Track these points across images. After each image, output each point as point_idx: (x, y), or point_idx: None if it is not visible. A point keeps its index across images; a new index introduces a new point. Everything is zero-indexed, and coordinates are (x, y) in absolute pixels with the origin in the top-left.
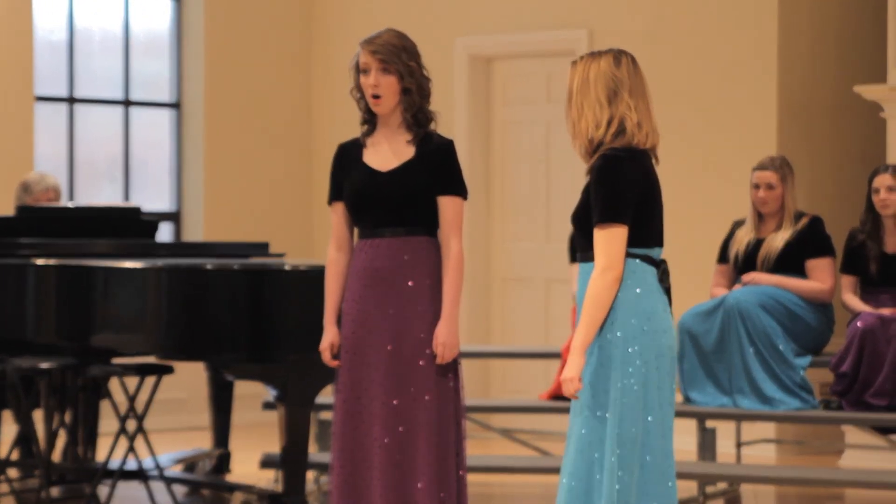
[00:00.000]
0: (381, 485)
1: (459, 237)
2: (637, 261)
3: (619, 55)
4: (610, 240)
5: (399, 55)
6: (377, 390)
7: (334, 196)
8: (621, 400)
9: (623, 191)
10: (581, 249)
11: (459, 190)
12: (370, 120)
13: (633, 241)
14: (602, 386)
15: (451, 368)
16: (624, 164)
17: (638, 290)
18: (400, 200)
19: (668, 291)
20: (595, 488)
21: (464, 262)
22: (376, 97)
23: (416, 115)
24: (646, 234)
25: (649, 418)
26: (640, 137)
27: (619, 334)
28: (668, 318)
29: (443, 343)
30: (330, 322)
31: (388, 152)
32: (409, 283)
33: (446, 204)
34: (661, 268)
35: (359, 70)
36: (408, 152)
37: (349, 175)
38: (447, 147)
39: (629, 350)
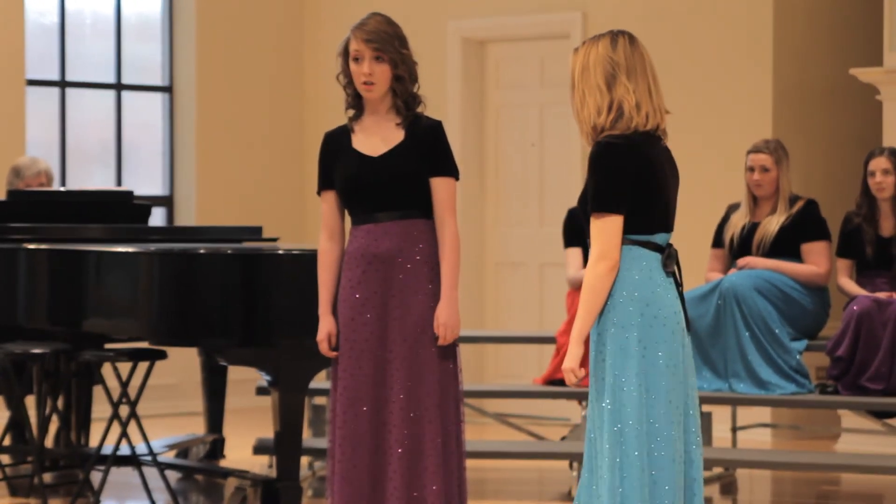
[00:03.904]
0: (393, 469)
1: (454, 217)
2: (637, 247)
3: (615, 36)
4: (604, 229)
5: (392, 42)
6: (381, 376)
7: (324, 185)
8: (620, 388)
9: (617, 179)
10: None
11: (451, 170)
12: (356, 105)
13: (633, 228)
14: (601, 374)
15: (452, 351)
16: (618, 151)
17: (637, 277)
18: (393, 184)
19: (673, 275)
20: (596, 478)
21: (459, 242)
22: (368, 83)
23: (406, 100)
24: (647, 220)
25: (654, 405)
26: (638, 120)
27: (615, 321)
28: (672, 302)
29: (444, 324)
30: (325, 312)
31: (377, 137)
32: (408, 266)
33: (439, 185)
34: (666, 252)
35: (347, 56)
36: (397, 136)
37: (339, 162)
38: (436, 128)
39: (626, 336)
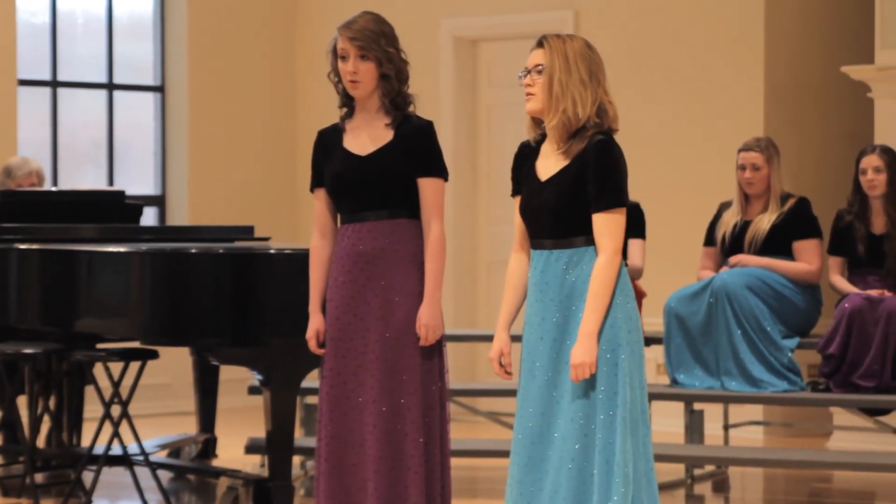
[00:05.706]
0: (374, 469)
1: (440, 218)
2: None
3: (585, 40)
4: (617, 224)
5: (377, 41)
6: (364, 375)
7: (316, 183)
8: (628, 381)
9: (624, 175)
10: (560, 235)
11: (439, 171)
12: (348, 103)
13: None
14: (603, 367)
15: (437, 351)
16: (618, 148)
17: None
18: (380, 184)
19: None
20: (588, 471)
21: (445, 243)
22: (354, 81)
23: (395, 99)
24: None
25: (639, 395)
26: (616, 124)
27: (619, 315)
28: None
29: (425, 324)
30: (315, 310)
31: (366, 136)
32: (394, 266)
33: (426, 185)
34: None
35: (336, 55)
36: (386, 135)
37: (330, 160)
38: (425, 128)
39: (627, 332)
